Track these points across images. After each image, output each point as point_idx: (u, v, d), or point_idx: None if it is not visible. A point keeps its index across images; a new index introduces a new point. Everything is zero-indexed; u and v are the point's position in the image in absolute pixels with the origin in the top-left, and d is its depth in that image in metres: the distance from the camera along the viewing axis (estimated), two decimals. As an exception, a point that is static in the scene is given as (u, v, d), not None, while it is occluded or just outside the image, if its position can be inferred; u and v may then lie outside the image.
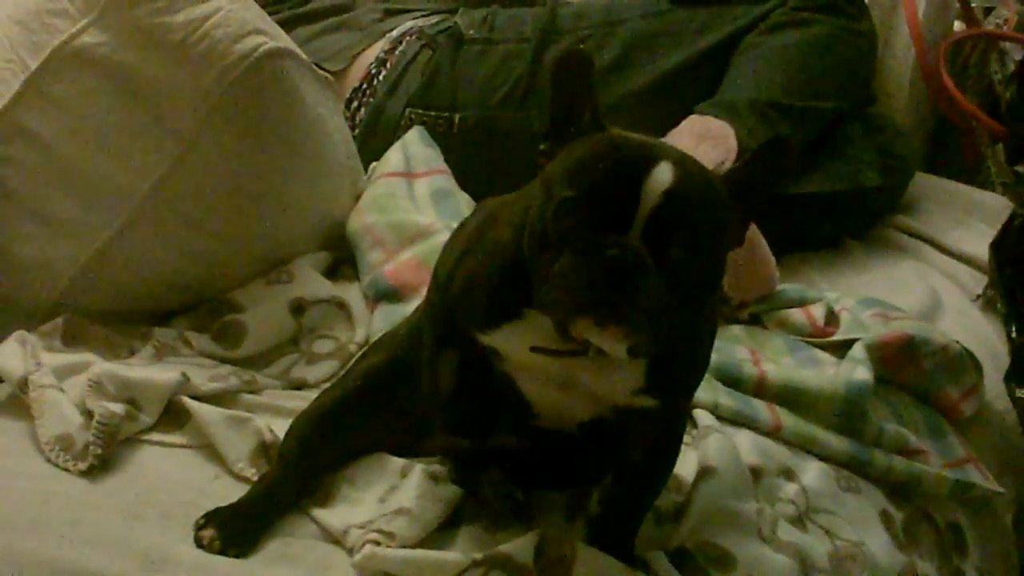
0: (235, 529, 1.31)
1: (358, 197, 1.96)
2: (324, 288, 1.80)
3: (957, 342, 1.90)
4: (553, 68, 1.15)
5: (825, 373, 1.77)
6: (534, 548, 1.27)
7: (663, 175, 1.07)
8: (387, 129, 2.21)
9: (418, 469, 1.39)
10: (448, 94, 2.22)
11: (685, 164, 1.10)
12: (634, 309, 1.07)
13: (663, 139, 2.03)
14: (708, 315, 1.29)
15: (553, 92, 1.16)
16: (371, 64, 2.28)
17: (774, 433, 1.67)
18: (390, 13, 2.41)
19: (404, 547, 1.29)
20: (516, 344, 1.23)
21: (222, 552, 1.28)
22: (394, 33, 2.32)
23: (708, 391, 1.66)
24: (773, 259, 1.98)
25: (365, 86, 2.26)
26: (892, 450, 1.71)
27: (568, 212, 1.09)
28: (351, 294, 1.83)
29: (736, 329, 1.93)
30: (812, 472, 1.63)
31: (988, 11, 2.81)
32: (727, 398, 1.68)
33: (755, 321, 1.97)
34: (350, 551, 1.30)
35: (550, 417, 1.29)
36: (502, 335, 1.23)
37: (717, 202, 1.13)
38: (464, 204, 1.94)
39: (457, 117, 2.21)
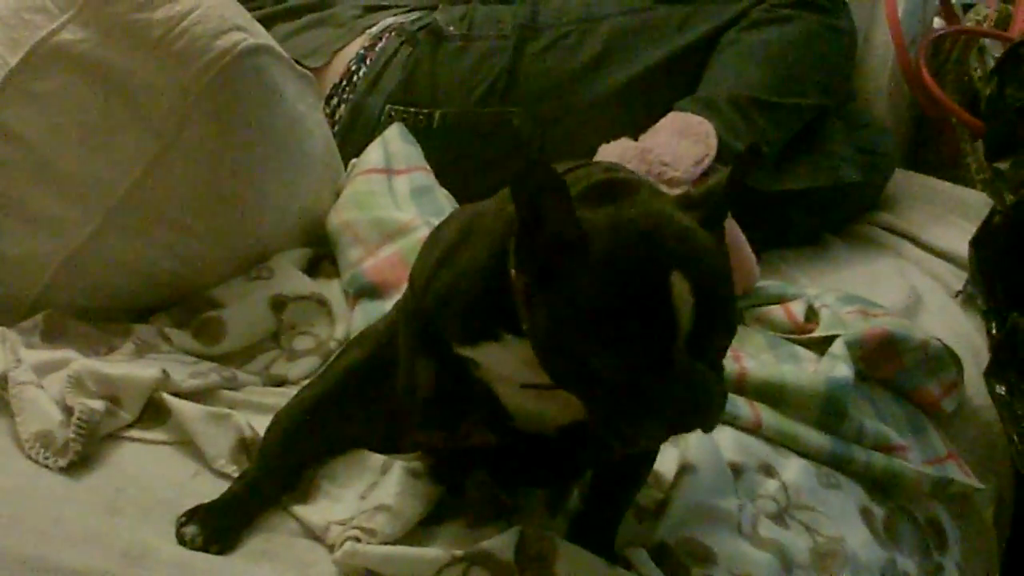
0: (217, 526, 1.31)
1: (338, 194, 1.95)
2: (304, 284, 1.79)
3: (937, 339, 1.90)
4: (515, 182, 1.07)
5: (805, 370, 1.77)
6: (515, 544, 1.27)
7: (683, 291, 1.05)
8: (367, 126, 2.20)
9: (398, 466, 1.38)
10: (428, 91, 2.22)
11: (691, 258, 1.08)
12: (708, 418, 1.11)
13: (643, 136, 2.04)
14: None
15: (518, 204, 1.08)
16: (351, 61, 2.27)
17: (755, 430, 1.67)
18: (370, 9, 2.41)
19: (385, 544, 1.29)
20: (493, 362, 1.23)
21: (204, 549, 1.28)
22: (374, 30, 2.31)
23: (689, 388, 1.66)
24: (753, 256, 1.98)
25: (345, 83, 2.26)
26: (873, 447, 1.71)
27: (612, 343, 1.08)
28: (331, 290, 1.82)
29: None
30: (793, 469, 1.63)
31: (967, 8, 2.82)
32: (708, 394, 1.68)
33: (735, 317, 1.97)
34: (331, 548, 1.30)
35: (527, 422, 1.29)
36: (479, 351, 1.22)
37: (724, 264, 1.13)
38: (445, 201, 1.94)
39: (437, 114, 2.20)
